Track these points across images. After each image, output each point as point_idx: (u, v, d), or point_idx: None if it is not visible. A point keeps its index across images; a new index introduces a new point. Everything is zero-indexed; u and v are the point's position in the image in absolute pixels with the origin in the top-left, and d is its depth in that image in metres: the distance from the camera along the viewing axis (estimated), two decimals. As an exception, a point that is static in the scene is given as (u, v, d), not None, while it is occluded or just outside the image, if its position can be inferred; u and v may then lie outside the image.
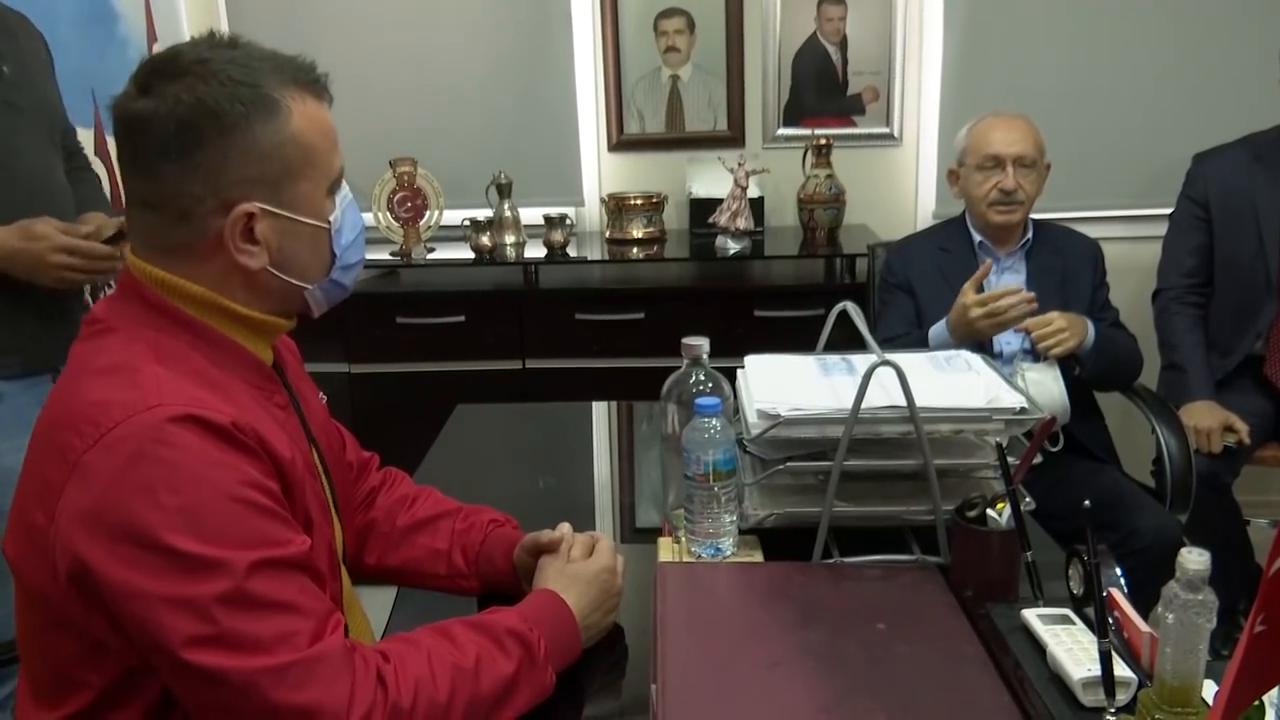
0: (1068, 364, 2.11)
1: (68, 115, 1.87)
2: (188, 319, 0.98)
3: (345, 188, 1.06)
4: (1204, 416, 2.34)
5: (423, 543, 1.27)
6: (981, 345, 2.16)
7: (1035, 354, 2.12)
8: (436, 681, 0.93)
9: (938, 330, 2.14)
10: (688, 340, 1.37)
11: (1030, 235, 2.29)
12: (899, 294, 2.33)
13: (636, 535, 1.49)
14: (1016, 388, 1.36)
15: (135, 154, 0.96)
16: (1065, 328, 2.05)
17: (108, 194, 2.50)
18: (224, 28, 3.17)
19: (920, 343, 2.15)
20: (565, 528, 1.22)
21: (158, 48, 2.81)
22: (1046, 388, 2.05)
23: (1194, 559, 0.82)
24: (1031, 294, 2.02)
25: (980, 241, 2.30)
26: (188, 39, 0.99)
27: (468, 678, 0.95)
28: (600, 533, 1.23)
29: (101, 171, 2.48)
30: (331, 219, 1.03)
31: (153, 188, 0.96)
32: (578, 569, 1.15)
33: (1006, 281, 2.29)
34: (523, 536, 1.24)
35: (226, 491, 0.87)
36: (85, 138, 2.42)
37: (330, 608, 0.94)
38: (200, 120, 0.93)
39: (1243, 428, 2.31)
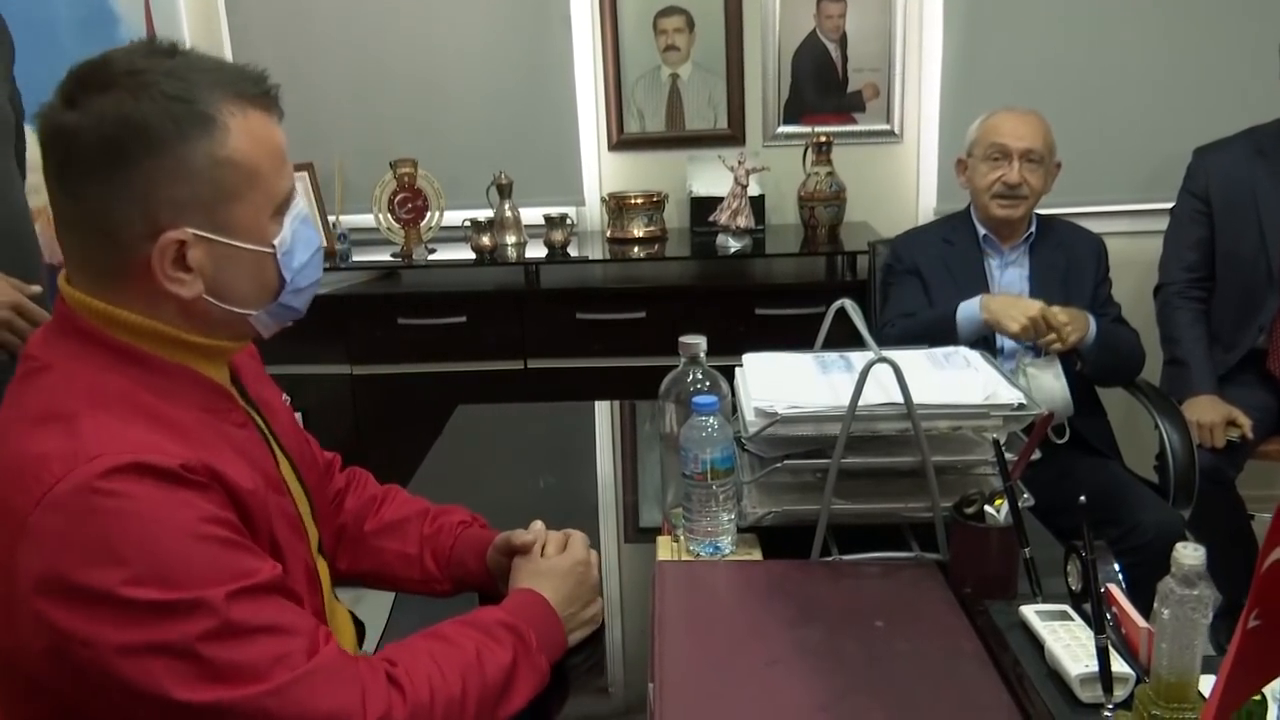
0: (1069, 359, 2.11)
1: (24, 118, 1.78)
2: (128, 349, 0.92)
3: (298, 205, 1.00)
4: (1207, 411, 2.33)
5: (392, 548, 1.25)
6: (986, 340, 2.16)
7: (1037, 349, 2.12)
8: (447, 677, 0.93)
9: (969, 305, 2.12)
10: (685, 339, 1.37)
11: (1034, 230, 2.29)
12: (908, 278, 2.32)
13: (639, 535, 1.49)
14: (1017, 383, 1.36)
15: (61, 172, 0.90)
16: (1067, 322, 2.05)
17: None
18: (223, 30, 3.18)
19: (938, 319, 2.13)
20: (538, 526, 1.22)
21: (158, 51, 2.81)
22: (1048, 383, 2.06)
23: (1189, 554, 0.82)
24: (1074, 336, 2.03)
25: (985, 235, 2.30)
26: (110, 50, 0.92)
27: (474, 670, 0.95)
28: (573, 530, 1.23)
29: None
30: (277, 242, 0.96)
31: (79, 208, 0.90)
32: (551, 564, 1.16)
33: (1010, 276, 2.29)
34: (493, 536, 1.24)
35: (186, 531, 0.83)
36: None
37: (316, 623, 0.91)
38: (127, 137, 0.87)
39: (1246, 422, 2.31)
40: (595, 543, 1.25)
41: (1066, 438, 2.15)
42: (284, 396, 1.21)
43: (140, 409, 0.89)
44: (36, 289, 1.62)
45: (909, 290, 2.31)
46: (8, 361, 1.59)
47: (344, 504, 1.30)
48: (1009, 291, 2.26)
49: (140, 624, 0.81)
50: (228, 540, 0.86)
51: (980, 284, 2.27)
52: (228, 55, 3.20)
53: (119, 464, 0.82)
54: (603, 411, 2.10)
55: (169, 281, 0.91)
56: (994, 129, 2.23)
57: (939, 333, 2.06)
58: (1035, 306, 2.02)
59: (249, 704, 0.82)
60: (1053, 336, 2.03)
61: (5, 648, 0.86)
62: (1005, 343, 2.22)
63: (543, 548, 1.19)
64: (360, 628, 1.30)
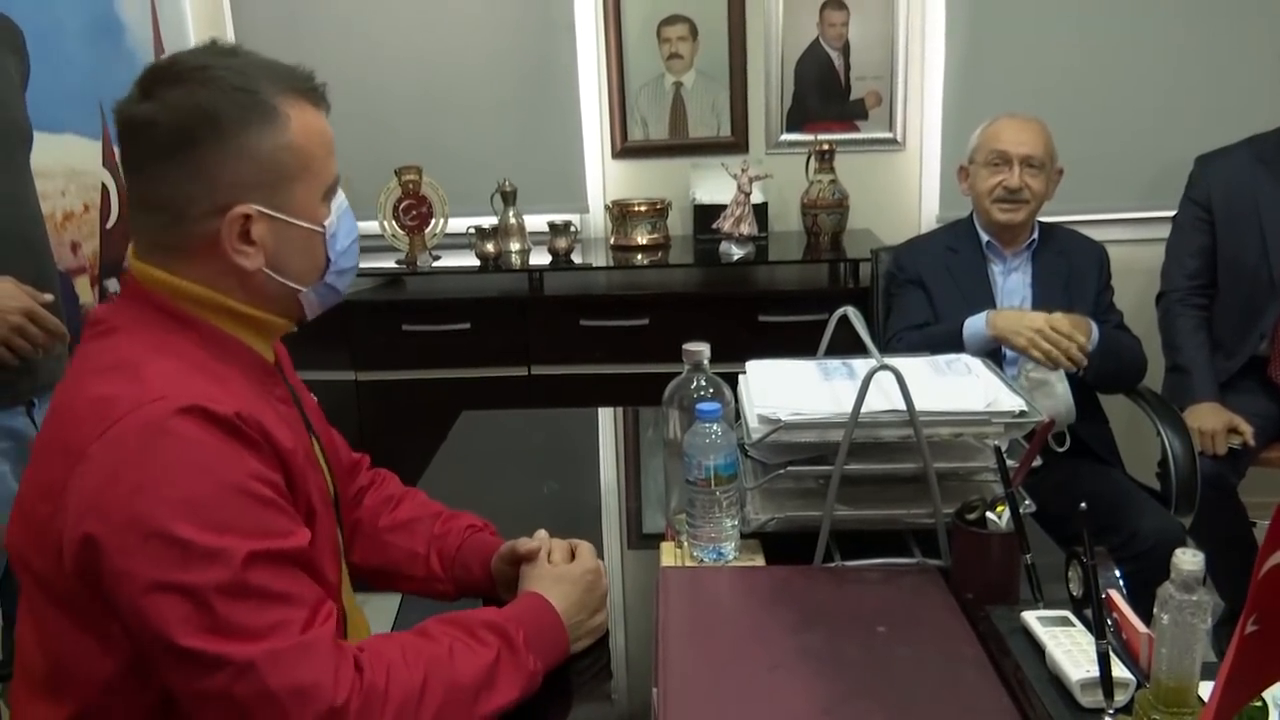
0: (1072, 366, 2.12)
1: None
2: (190, 318, 1.01)
3: (341, 195, 1.09)
4: (1208, 418, 2.34)
5: (401, 544, 1.29)
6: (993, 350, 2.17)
7: None
8: (409, 666, 0.95)
9: (975, 322, 2.12)
10: (689, 346, 1.38)
11: (1036, 237, 2.30)
12: (911, 288, 2.33)
13: (642, 540, 1.50)
14: (1019, 389, 1.37)
15: (136, 156, 0.99)
16: (1068, 332, 2.06)
17: (114, 204, 2.52)
18: (230, 37, 3.19)
19: (944, 334, 2.14)
20: (542, 534, 1.24)
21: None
22: (1051, 389, 2.06)
23: (1188, 559, 0.82)
24: (1090, 337, 2.04)
25: (988, 242, 2.30)
26: (177, 52, 1.02)
27: (441, 663, 0.97)
28: (580, 540, 1.24)
29: (109, 182, 2.51)
30: (326, 224, 1.06)
31: (152, 189, 0.98)
32: (561, 570, 1.17)
33: (1013, 282, 2.30)
34: (500, 543, 1.26)
35: (230, 482, 0.90)
36: (93, 150, 2.46)
37: (323, 597, 0.96)
38: (198, 124, 0.96)
39: (1247, 429, 2.31)
40: (599, 549, 1.26)
41: (1067, 446, 2.15)
42: (313, 397, 1.25)
43: (199, 365, 0.98)
44: (49, 297, 1.63)
45: (913, 301, 2.31)
46: (21, 368, 1.62)
47: (363, 500, 1.33)
48: (1011, 298, 2.27)
49: (165, 561, 0.86)
50: (266, 499, 0.92)
51: (984, 291, 2.27)
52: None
53: (180, 406, 0.90)
54: (606, 418, 2.11)
55: (235, 254, 1.00)
56: (995, 135, 2.24)
57: (945, 349, 2.07)
58: (1039, 319, 2.03)
59: (239, 661, 0.87)
60: (1063, 359, 2.03)
61: (42, 569, 0.93)
62: (1007, 350, 2.23)
63: (549, 555, 1.20)
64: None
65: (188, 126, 0.95)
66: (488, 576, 1.25)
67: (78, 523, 0.88)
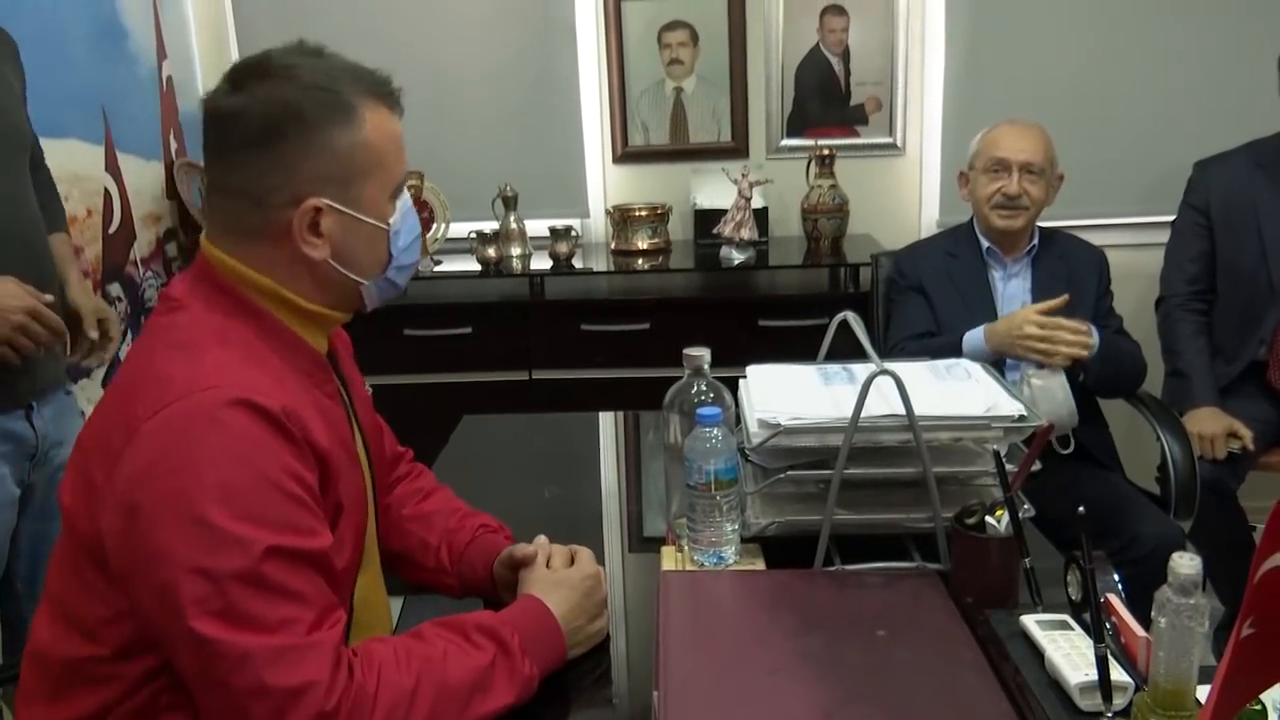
0: (1073, 371, 2.12)
1: (32, 127, 1.81)
2: (252, 306, 1.05)
3: (406, 195, 1.13)
4: (1208, 423, 2.34)
5: (418, 533, 1.32)
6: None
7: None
8: (400, 668, 0.97)
9: (973, 337, 2.14)
10: (689, 351, 1.39)
11: (1036, 242, 2.30)
12: (912, 295, 2.34)
13: (643, 545, 1.50)
14: (1021, 395, 1.37)
15: (222, 144, 1.03)
16: (1076, 328, 2.06)
17: (116, 209, 2.53)
18: (232, 43, 3.21)
19: (946, 346, 2.15)
20: (542, 540, 1.25)
21: (168, 65, 2.84)
22: (1053, 394, 2.06)
23: (1185, 563, 0.83)
24: (1091, 341, 2.04)
25: (988, 248, 2.31)
26: (267, 49, 1.08)
27: (434, 666, 0.98)
28: (579, 546, 1.25)
29: (112, 187, 2.52)
30: (391, 221, 1.10)
31: (234, 176, 1.03)
32: (560, 576, 1.18)
33: (1013, 288, 2.30)
34: (507, 544, 1.27)
35: (265, 474, 0.93)
36: (95, 154, 2.46)
37: (334, 603, 0.97)
38: (284, 118, 1.01)
39: (1247, 434, 2.32)
40: (599, 553, 1.27)
41: (1071, 449, 2.16)
42: (367, 386, 1.30)
43: (256, 355, 1.02)
44: (49, 297, 1.65)
45: (914, 309, 2.32)
46: (20, 370, 1.63)
47: (395, 489, 1.37)
48: (1011, 304, 2.28)
49: (194, 543, 0.90)
50: (296, 496, 0.96)
51: (985, 296, 2.28)
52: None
53: (231, 397, 0.94)
54: (606, 422, 2.12)
55: (304, 244, 1.04)
56: (994, 142, 2.25)
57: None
58: (1027, 319, 2.04)
59: (240, 651, 0.89)
60: (1062, 349, 2.04)
61: (89, 536, 0.98)
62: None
63: (548, 560, 1.21)
64: None
65: (274, 119, 1.00)
66: (489, 577, 1.26)
67: (121, 495, 0.93)
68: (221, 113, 1.02)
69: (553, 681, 1.09)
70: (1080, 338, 2.04)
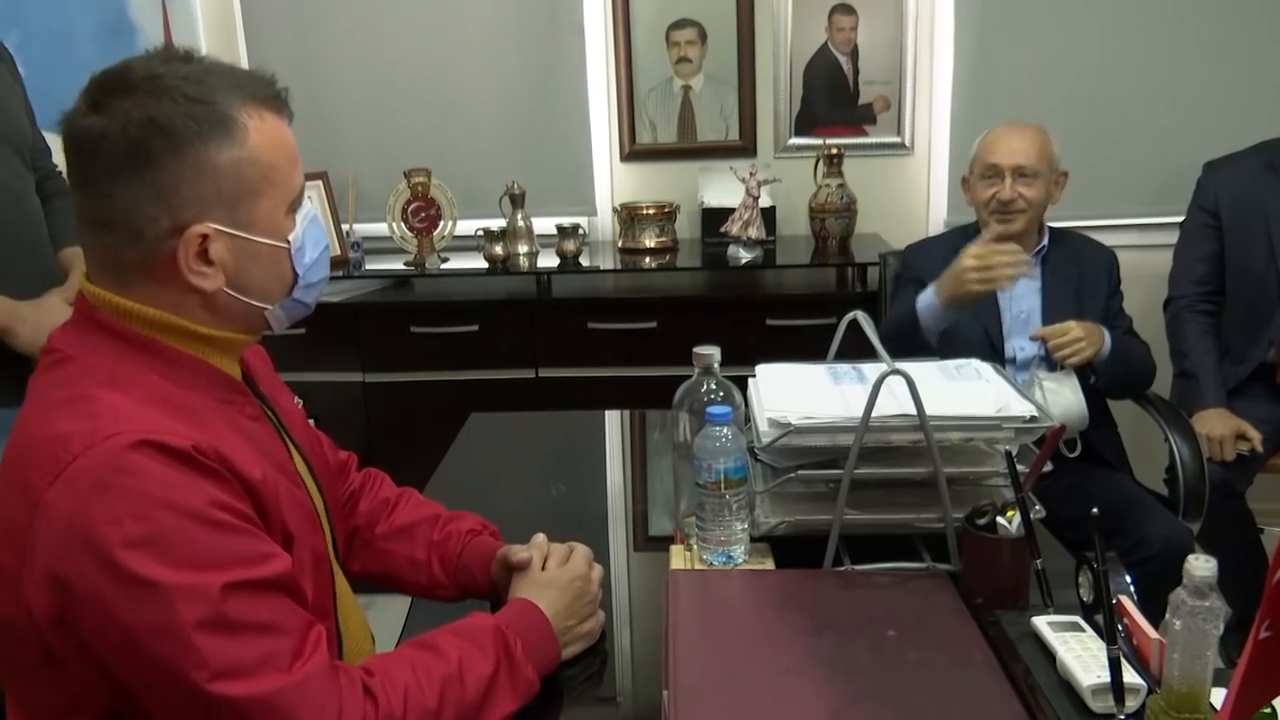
0: (1084, 373, 2.12)
1: (41, 135, 1.83)
2: (146, 341, 0.96)
3: (307, 205, 1.04)
4: (1216, 424, 2.34)
5: (402, 552, 1.27)
6: (993, 346, 2.17)
7: (1051, 362, 2.13)
8: (424, 689, 0.94)
9: (925, 295, 2.13)
10: (699, 349, 1.38)
11: (1046, 242, 2.30)
12: (911, 287, 2.33)
13: (649, 543, 1.50)
14: (1031, 396, 1.37)
15: (86, 173, 0.93)
16: (1082, 337, 2.06)
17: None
18: (240, 41, 3.21)
19: (903, 315, 2.16)
20: (539, 539, 1.23)
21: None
22: (1064, 396, 2.06)
23: (1200, 565, 0.82)
24: (1025, 256, 2.03)
25: (994, 249, 2.30)
26: (128, 58, 0.96)
27: (454, 681, 0.96)
28: (576, 544, 1.23)
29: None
30: (291, 238, 1.01)
31: (104, 207, 0.93)
32: (550, 576, 1.16)
33: (1021, 288, 2.29)
34: (500, 545, 1.25)
35: (193, 513, 0.86)
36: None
37: (310, 621, 0.92)
38: (152, 138, 0.90)
39: (1255, 435, 2.31)
40: (605, 551, 1.26)
41: (1079, 451, 2.16)
42: (295, 399, 1.23)
43: (156, 394, 0.93)
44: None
45: (905, 300, 2.32)
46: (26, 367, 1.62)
47: (358, 506, 1.31)
48: (1020, 304, 2.27)
49: (139, 603, 0.83)
50: (233, 526, 0.89)
51: (989, 298, 2.27)
52: (244, 67, 3.22)
53: (134, 441, 0.85)
54: (613, 420, 2.11)
55: (193, 275, 0.95)
56: (988, 148, 2.25)
57: (908, 328, 2.12)
58: (964, 259, 2.03)
59: (233, 704, 0.84)
60: (1068, 350, 2.04)
61: (15, 622, 0.88)
62: (1017, 354, 2.23)
63: (544, 561, 1.19)
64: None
65: (140, 141, 0.90)
66: (489, 580, 1.24)
67: (47, 570, 0.85)
68: (81, 137, 0.91)
69: (549, 682, 1.09)
70: (1011, 258, 2.01)
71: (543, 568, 1.18)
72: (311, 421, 1.26)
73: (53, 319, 1.56)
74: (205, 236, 0.94)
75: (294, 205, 1.01)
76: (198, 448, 0.88)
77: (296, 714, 0.86)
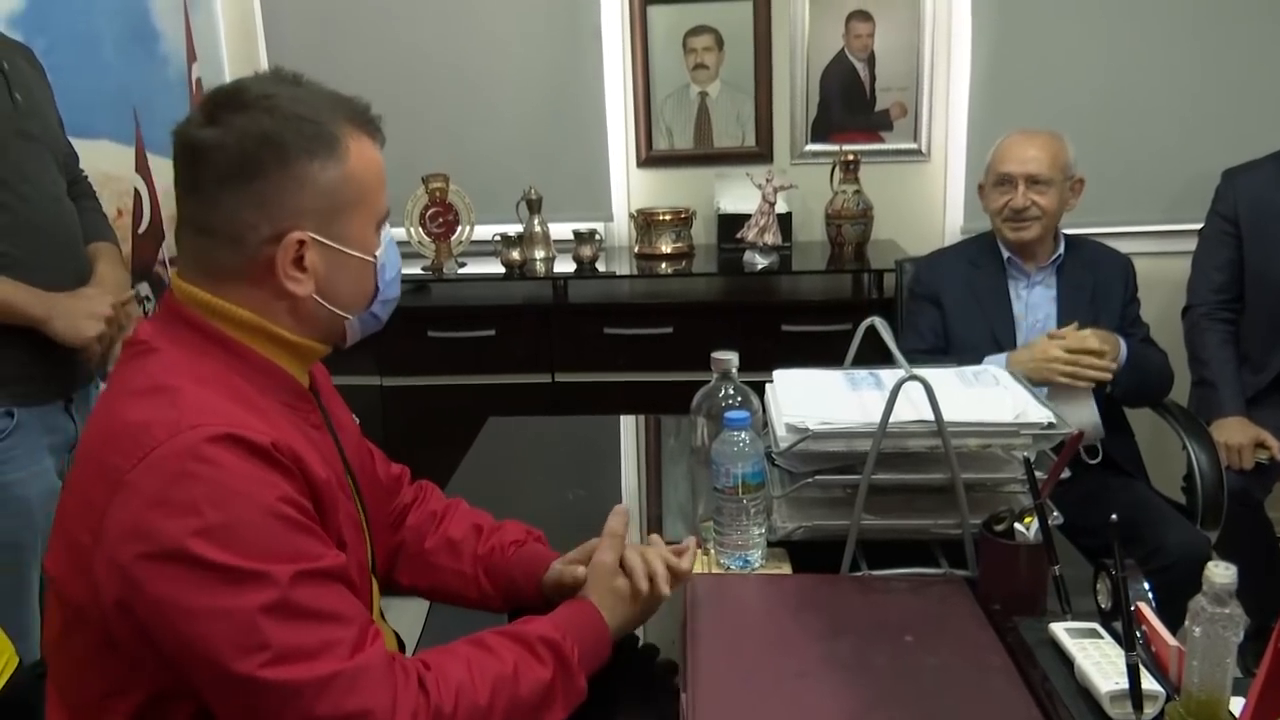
0: (1100, 382, 2.11)
1: (68, 140, 1.89)
2: (228, 341, 1.01)
3: (388, 226, 1.10)
4: (1235, 433, 2.33)
5: (449, 566, 1.27)
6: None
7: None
8: (477, 687, 0.95)
9: (995, 362, 2.11)
10: (717, 355, 1.39)
11: (1062, 250, 2.29)
12: (926, 305, 2.34)
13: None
14: (1047, 404, 1.37)
15: (195, 180, 0.99)
16: (1099, 348, 2.05)
17: (145, 209, 2.56)
18: (261, 46, 3.23)
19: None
20: (617, 520, 1.22)
21: (197, 67, 2.86)
22: (1079, 407, 2.05)
23: (1221, 572, 0.82)
24: (1113, 364, 2.03)
25: (1009, 258, 2.30)
26: (242, 78, 1.03)
27: (507, 683, 0.97)
28: (673, 561, 1.19)
29: (142, 187, 2.55)
30: (378, 254, 1.07)
31: (209, 213, 0.98)
32: (630, 591, 1.14)
33: (1036, 296, 2.29)
34: (548, 552, 1.26)
35: (266, 507, 0.89)
36: (126, 155, 2.49)
37: (369, 618, 0.95)
38: (262, 152, 0.96)
39: (1274, 444, 2.29)
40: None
41: (1099, 459, 2.15)
42: (353, 417, 1.25)
43: (235, 391, 0.97)
44: (130, 294, 1.79)
45: (925, 321, 2.32)
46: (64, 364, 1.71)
47: (407, 520, 1.32)
48: (1035, 312, 2.27)
49: (207, 587, 0.86)
50: (300, 524, 0.92)
51: (1004, 306, 2.27)
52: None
53: (215, 434, 0.89)
54: (628, 426, 2.12)
55: (287, 279, 1.00)
56: (1001, 155, 2.25)
57: None
58: (1049, 350, 2.04)
59: (288, 687, 0.86)
60: (1089, 373, 2.04)
61: (82, 602, 0.92)
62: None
63: (621, 562, 1.17)
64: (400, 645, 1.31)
65: (252, 154, 0.96)
66: (536, 590, 1.23)
67: (116, 551, 0.88)
68: (196, 146, 0.97)
69: (596, 684, 1.08)
70: (1104, 362, 2.03)
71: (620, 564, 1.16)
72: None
73: (89, 307, 1.68)
74: (302, 243, 0.99)
75: (380, 224, 1.07)
76: (275, 445, 0.92)
77: (349, 698, 0.88)
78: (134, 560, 0.87)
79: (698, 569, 1.33)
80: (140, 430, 0.90)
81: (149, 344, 1.00)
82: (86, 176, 1.95)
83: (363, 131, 1.04)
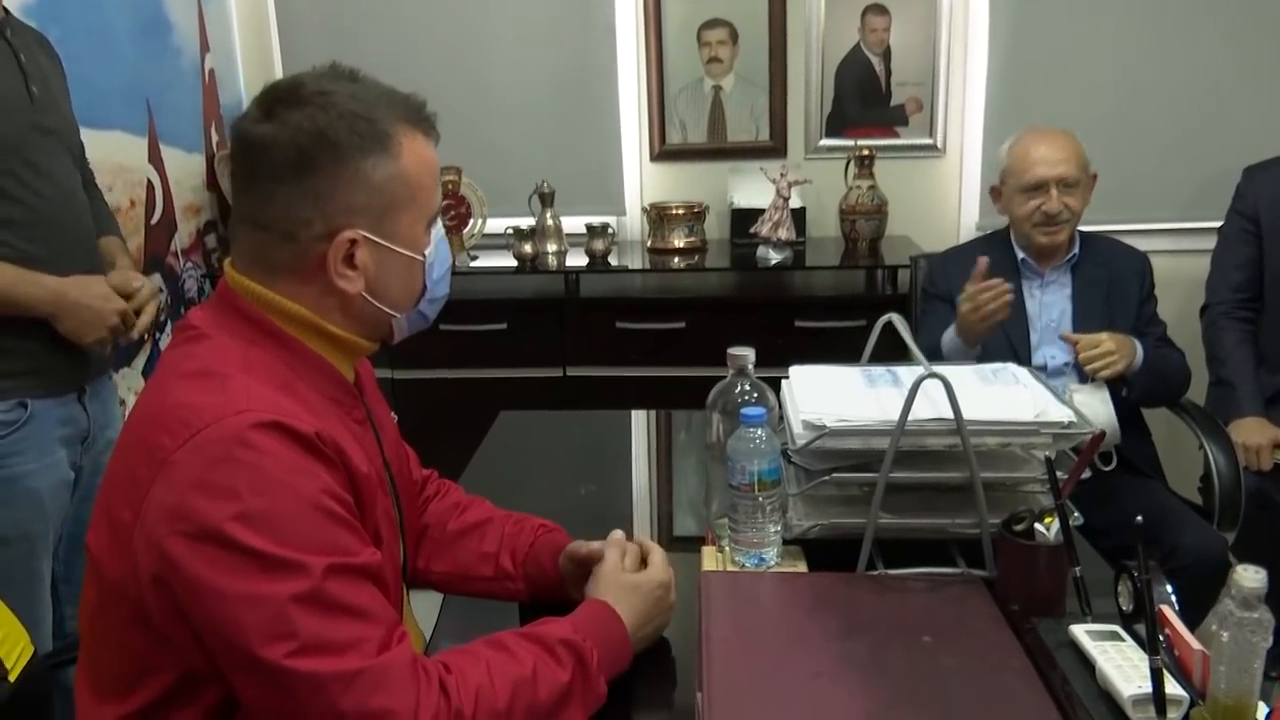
0: (1116, 385, 2.09)
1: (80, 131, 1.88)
2: (278, 333, 1.02)
3: (439, 224, 1.10)
4: (1253, 433, 2.31)
5: (471, 546, 1.28)
6: (1018, 356, 2.15)
7: (1082, 374, 2.10)
8: (496, 689, 0.94)
9: (949, 337, 2.13)
10: (733, 350, 1.38)
11: (1077, 250, 2.27)
12: (939, 304, 2.32)
13: (675, 543, 1.49)
14: (1068, 403, 1.35)
15: (251, 175, 0.99)
16: (1114, 350, 2.04)
17: (158, 199, 2.56)
18: (274, 38, 3.23)
19: (929, 351, 2.14)
20: (617, 535, 1.22)
21: (210, 58, 2.86)
22: (1095, 410, 2.03)
23: (1250, 576, 0.81)
24: (1007, 285, 2.01)
25: (1023, 259, 2.28)
26: (299, 74, 1.03)
27: (526, 686, 0.96)
28: (653, 544, 1.22)
29: (154, 178, 2.54)
30: (427, 252, 1.07)
31: (264, 208, 0.99)
32: (635, 580, 1.15)
33: (1051, 296, 2.27)
34: (569, 538, 1.25)
35: (306, 498, 0.90)
36: (139, 146, 2.49)
37: (397, 618, 0.95)
38: (318, 149, 0.97)
39: (1293, 445, 2.28)
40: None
41: (1114, 464, 2.14)
42: (393, 416, 1.26)
43: (283, 382, 0.98)
44: (139, 283, 1.77)
45: (937, 321, 2.30)
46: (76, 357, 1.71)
47: (429, 509, 1.33)
48: (1050, 312, 2.25)
49: (241, 571, 0.86)
50: (340, 517, 0.92)
51: (1018, 306, 2.25)
52: (276, 63, 3.25)
53: (262, 420, 0.90)
54: (640, 420, 2.11)
55: (338, 277, 1.01)
56: (1025, 159, 2.19)
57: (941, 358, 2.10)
58: (961, 303, 2.04)
59: (314, 679, 0.86)
60: (1100, 364, 2.03)
61: (119, 578, 0.93)
62: (1048, 363, 2.21)
63: (622, 558, 1.17)
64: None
65: (307, 150, 0.97)
66: (558, 574, 1.23)
67: (156, 528, 0.89)
68: (252, 142, 0.98)
69: (613, 683, 1.07)
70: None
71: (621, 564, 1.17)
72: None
73: (98, 309, 1.68)
74: (354, 242, 1.00)
75: (431, 222, 1.07)
76: (320, 436, 0.93)
77: (373, 697, 0.87)
78: (172, 537, 0.87)
79: (713, 566, 1.32)
80: (188, 411, 0.91)
81: (201, 330, 1.01)
82: (89, 167, 1.94)
83: (417, 129, 1.04)
